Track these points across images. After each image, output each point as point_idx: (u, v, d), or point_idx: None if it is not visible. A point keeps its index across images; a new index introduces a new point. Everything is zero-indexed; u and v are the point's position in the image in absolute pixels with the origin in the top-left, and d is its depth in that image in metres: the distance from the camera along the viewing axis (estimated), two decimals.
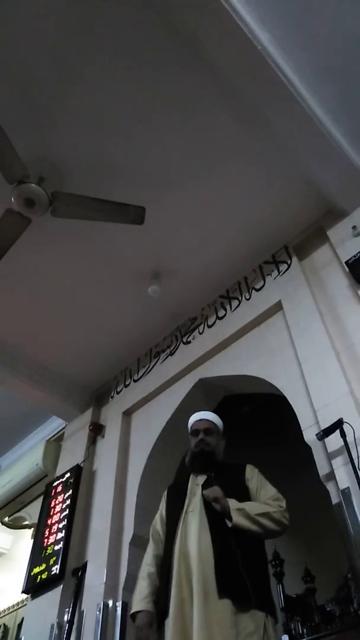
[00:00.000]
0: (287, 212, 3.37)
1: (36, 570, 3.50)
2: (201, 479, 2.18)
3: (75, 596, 3.13)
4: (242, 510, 1.91)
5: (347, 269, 2.94)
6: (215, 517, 1.93)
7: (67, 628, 2.99)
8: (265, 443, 4.11)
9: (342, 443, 2.21)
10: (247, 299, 3.57)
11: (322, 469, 2.41)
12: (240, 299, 3.64)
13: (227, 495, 1.97)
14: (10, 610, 4.95)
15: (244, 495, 2.05)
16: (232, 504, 1.94)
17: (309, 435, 2.55)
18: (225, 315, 3.67)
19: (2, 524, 5.12)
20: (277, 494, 2.06)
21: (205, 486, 2.07)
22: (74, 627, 3.00)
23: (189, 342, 3.83)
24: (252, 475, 2.15)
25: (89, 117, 2.82)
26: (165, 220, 3.32)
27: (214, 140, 2.95)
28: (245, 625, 1.67)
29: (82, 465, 3.95)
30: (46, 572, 3.40)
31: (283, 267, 3.45)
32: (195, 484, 2.17)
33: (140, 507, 3.29)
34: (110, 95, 2.74)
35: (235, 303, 3.66)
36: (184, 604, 1.77)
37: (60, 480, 3.97)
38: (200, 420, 2.37)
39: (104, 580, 3.03)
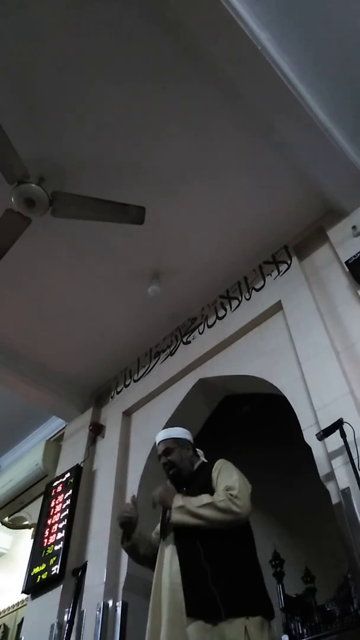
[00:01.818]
0: (287, 212, 3.37)
1: (36, 570, 3.50)
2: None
3: (75, 596, 3.13)
4: (182, 508, 1.89)
5: (347, 269, 2.94)
6: (183, 537, 1.90)
7: (67, 628, 2.99)
8: (266, 443, 4.11)
9: (342, 443, 2.21)
10: (247, 299, 3.57)
11: (322, 469, 2.42)
12: (240, 299, 3.64)
13: None
14: (10, 610, 4.94)
15: (212, 494, 1.98)
16: (176, 501, 1.92)
17: (309, 435, 2.55)
18: (225, 315, 3.67)
19: (2, 524, 5.12)
20: (233, 482, 1.95)
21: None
22: (74, 627, 3.00)
23: (189, 342, 3.83)
24: (215, 472, 2.07)
25: (89, 118, 2.82)
26: (165, 220, 3.32)
27: (214, 140, 2.95)
28: (226, 635, 1.64)
29: (82, 465, 3.95)
30: (46, 572, 3.40)
31: (283, 267, 3.45)
32: None
33: (140, 507, 3.28)
34: (110, 95, 2.73)
35: (235, 303, 3.66)
36: (155, 634, 1.77)
37: (60, 480, 3.97)
38: (158, 444, 2.31)
39: (104, 580, 3.04)
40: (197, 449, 2.34)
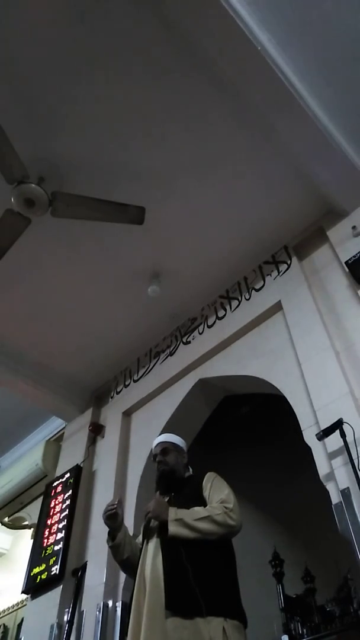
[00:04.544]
0: (287, 212, 3.37)
1: (36, 570, 3.50)
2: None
3: (75, 596, 3.13)
4: (179, 520, 1.91)
5: (347, 269, 2.94)
6: (168, 540, 1.92)
7: (67, 628, 2.99)
8: (265, 443, 4.12)
9: (342, 443, 2.21)
10: (247, 299, 3.57)
11: (322, 469, 2.42)
12: (240, 299, 3.64)
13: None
14: (10, 611, 4.95)
15: (202, 505, 2.02)
16: (172, 514, 1.93)
17: (309, 435, 2.55)
18: (225, 315, 3.67)
19: (2, 524, 5.12)
20: (226, 496, 2.03)
21: None
22: (74, 627, 3.00)
23: (189, 342, 3.83)
24: (207, 483, 2.13)
25: (89, 118, 2.82)
26: (165, 220, 3.32)
27: (214, 140, 2.95)
28: (202, 635, 1.66)
29: (81, 465, 3.95)
30: (46, 573, 3.40)
31: (283, 267, 3.45)
32: None
33: (140, 507, 3.29)
34: (111, 96, 2.73)
35: (235, 303, 3.66)
36: (137, 627, 1.79)
37: (60, 480, 3.97)
38: (156, 445, 2.37)
39: (104, 580, 3.04)
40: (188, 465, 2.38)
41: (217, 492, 2.07)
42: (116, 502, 2.17)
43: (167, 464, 2.26)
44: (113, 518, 2.14)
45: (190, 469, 2.36)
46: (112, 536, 2.16)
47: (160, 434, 3.54)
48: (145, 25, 2.47)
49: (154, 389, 3.87)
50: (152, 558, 1.92)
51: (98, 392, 4.56)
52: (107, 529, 2.18)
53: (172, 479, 2.22)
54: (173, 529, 1.89)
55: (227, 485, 2.12)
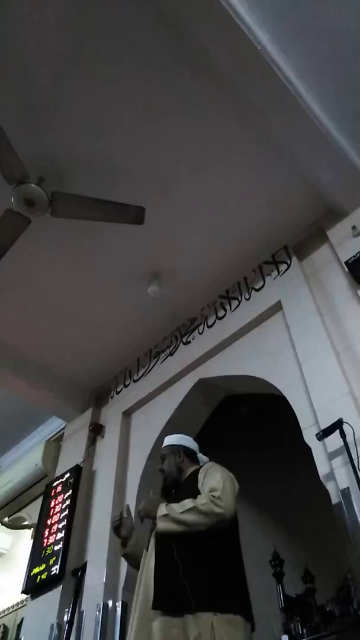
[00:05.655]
0: (287, 212, 3.37)
1: (36, 570, 3.50)
2: None
3: (75, 596, 3.13)
4: (166, 516, 1.89)
5: (346, 269, 2.94)
6: (160, 538, 1.91)
7: (66, 628, 2.99)
8: (265, 443, 4.12)
9: (342, 443, 2.21)
10: (247, 299, 3.57)
11: (322, 469, 2.42)
12: (240, 299, 3.64)
13: None
14: (10, 611, 4.94)
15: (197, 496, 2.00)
16: (161, 510, 1.92)
17: (309, 435, 2.55)
18: (225, 315, 3.68)
19: (2, 524, 5.12)
20: (217, 483, 1.95)
21: None
22: (74, 627, 3.00)
23: (189, 342, 3.83)
24: (202, 474, 2.09)
25: (89, 118, 2.82)
26: (165, 220, 3.32)
27: (214, 140, 2.95)
28: (191, 630, 1.63)
29: (81, 465, 3.95)
30: (46, 573, 3.40)
31: (283, 267, 3.45)
32: None
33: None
34: (110, 95, 2.74)
35: (235, 303, 3.66)
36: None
37: (60, 480, 3.97)
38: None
39: (104, 580, 3.04)
40: (200, 455, 2.34)
41: (209, 481, 2.01)
42: (118, 516, 2.19)
43: (163, 472, 2.28)
44: (119, 530, 2.17)
45: (202, 461, 2.29)
46: (123, 544, 2.17)
47: (160, 434, 3.57)
48: (145, 25, 2.47)
49: (153, 389, 3.87)
50: (148, 558, 1.93)
51: (98, 392, 4.56)
52: (107, 529, 2.19)
53: (167, 484, 2.24)
54: (161, 525, 1.88)
55: (222, 471, 2.06)
